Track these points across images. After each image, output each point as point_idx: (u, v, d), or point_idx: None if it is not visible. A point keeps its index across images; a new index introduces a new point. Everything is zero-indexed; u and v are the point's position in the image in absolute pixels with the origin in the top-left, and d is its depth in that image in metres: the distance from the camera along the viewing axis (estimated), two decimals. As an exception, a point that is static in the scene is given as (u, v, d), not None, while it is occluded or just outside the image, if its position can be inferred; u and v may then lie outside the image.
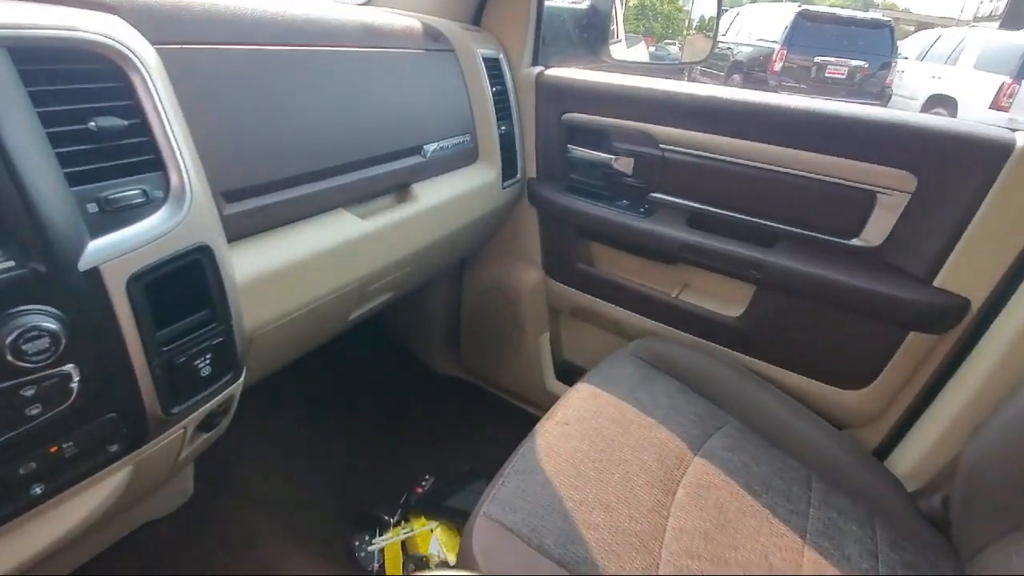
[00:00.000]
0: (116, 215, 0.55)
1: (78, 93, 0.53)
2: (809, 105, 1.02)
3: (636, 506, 0.76)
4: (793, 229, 1.07)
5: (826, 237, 1.05)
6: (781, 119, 1.03)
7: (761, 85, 8.33)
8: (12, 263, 0.48)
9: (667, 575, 0.69)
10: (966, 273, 0.92)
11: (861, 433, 1.11)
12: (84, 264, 0.52)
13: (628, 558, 0.70)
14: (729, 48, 9.10)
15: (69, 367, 0.52)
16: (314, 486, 1.32)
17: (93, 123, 0.54)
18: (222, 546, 1.08)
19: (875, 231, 1.01)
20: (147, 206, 0.58)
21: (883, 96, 8.20)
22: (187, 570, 1.04)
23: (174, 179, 0.60)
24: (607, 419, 0.90)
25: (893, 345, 1.00)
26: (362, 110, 0.93)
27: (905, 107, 7.79)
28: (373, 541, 1.16)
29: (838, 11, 8.79)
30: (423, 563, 1.13)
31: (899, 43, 8.61)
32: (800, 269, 1.03)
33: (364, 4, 1.32)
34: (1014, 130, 0.90)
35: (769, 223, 1.09)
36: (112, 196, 0.55)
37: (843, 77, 8.16)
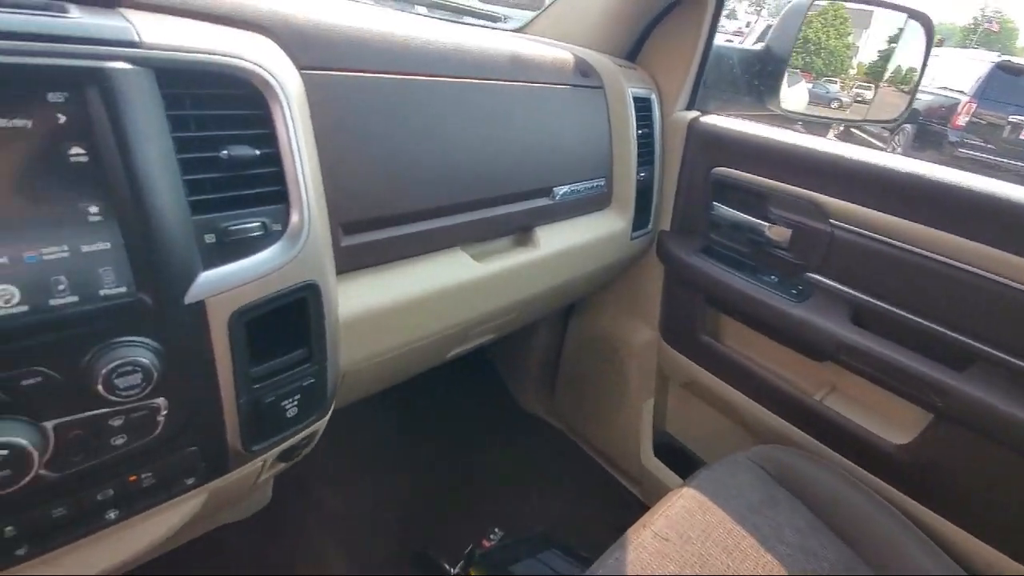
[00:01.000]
0: (231, 247, 0.53)
1: (215, 119, 0.51)
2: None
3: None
4: (998, 353, 0.84)
5: (1047, 371, 0.81)
6: (1000, 214, 0.81)
7: (939, 139, 7.33)
8: (124, 289, 0.46)
9: None
10: None
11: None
12: (191, 297, 0.49)
13: None
14: (903, 94, 8.11)
15: (159, 400, 0.50)
16: (384, 513, 1.29)
17: (225, 152, 0.51)
18: (287, 559, 1.07)
19: None
20: (263, 239, 0.55)
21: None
22: None
23: (295, 214, 0.57)
24: (716, 545, 0.75)
25: None
26: (496, 146, 0.87)
27: None
28: (432, 594, 1.09)
29: (1051, 66, 7.50)
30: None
31: None
32: (1001, 409, 0.80)
33: (517, 31, 1.29)
34: None
35: (964, 338, 0.86)
36: (232, 227, 0.52)
37: (1044, 143, 6.94)
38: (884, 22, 1.40)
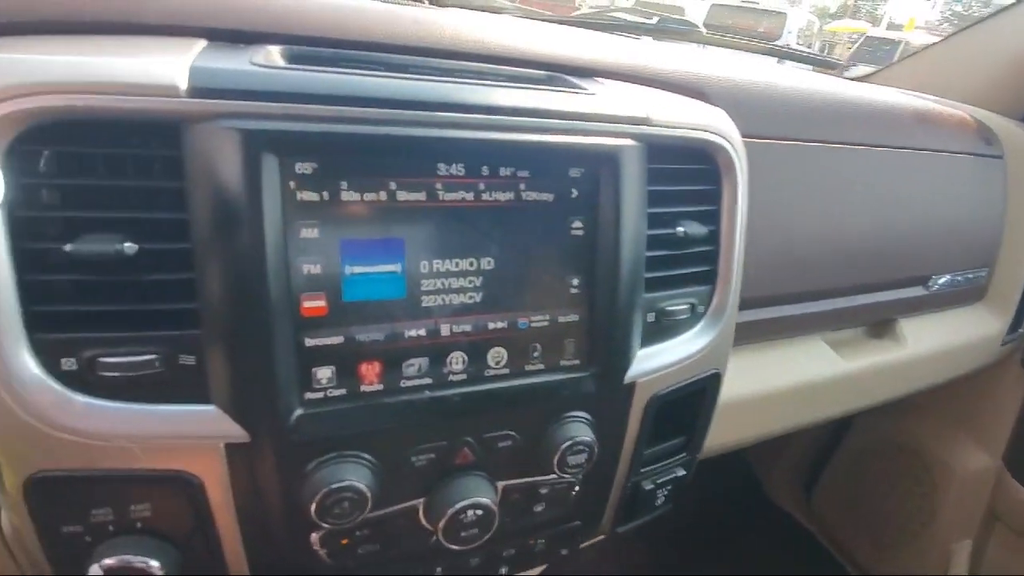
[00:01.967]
0: (663, 328, 0.50)
1: (674, 195, 0.49)
2: None
3: None
4: None
5: None
6: None
7: None
8: (577, 362, 0.46)
9: None
10: None
11: None
12: (628, 376, 0.47)
13: None
14: None
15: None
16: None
17: (681, 228, 0.49)
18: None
19: None
20: (687, 323, 0.51)
21: None
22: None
23: (719, 296, 0.52)
24: None
25: None
26: (877, 224, 0.73)
27: None
28: None
29: None
30: None
31: None
32: None
33: (862, 79, 1.12)
34: None
35: None
36: (668, 308, 0.49)
37: None
38: None
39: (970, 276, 0.86)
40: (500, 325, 0.43)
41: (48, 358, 0.33)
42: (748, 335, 0.66)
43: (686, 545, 1.38)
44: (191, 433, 0.36)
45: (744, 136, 0.54)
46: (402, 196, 0.38)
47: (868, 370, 0.75)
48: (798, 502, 1.45)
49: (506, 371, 0.43)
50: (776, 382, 0.68)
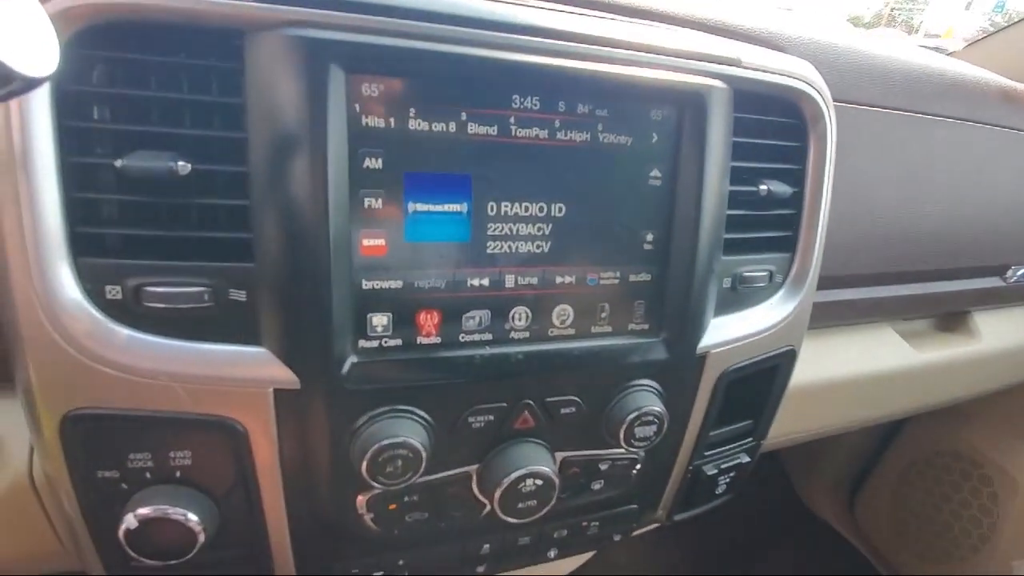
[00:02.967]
0: (738, 296, 0.46)
1: (757, 149, 0.44)
2: None
3: None
4: None
5: None
6: None
7: None
8: (647, 327, 0.42)
9: None
10: None
11: None
12: (701, 346, 0.43)
13: None
14: None
15: (640, 453, 0.45)
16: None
17: (764, 187, 0.44)
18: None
19: None
20: (764, 291, 0.47)
21: None
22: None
23: (799, 264, 0.48)
24: None
25: None
26: (945, 205, 0.68)
27: None
28: None
29: None
30: None
31: None
32: None
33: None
34: None
35: None
36: (747, 274, 0.45)
37: None
38: None
39: (1052, 269, 0.79)
40: (568, 280, 0.39)
41: (92, 284, 0.31)
42: (817, 317, 0.61)
43: (721, 554, 1.33)
44: (239, 376, 0.33)
45: (847, 101, 0.50)
46: (472, 129, 0.34)
47: (941, 364, 0.70)
48: (839, 513, 1.38)
49: (571, 331, 0.40)
50: (844, 370, 0.63)
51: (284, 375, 0.33)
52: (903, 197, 0.62)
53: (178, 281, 0.31)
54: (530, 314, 0.38)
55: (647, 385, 0.41)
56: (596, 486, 0.44)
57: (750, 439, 0.53)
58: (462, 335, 0.37)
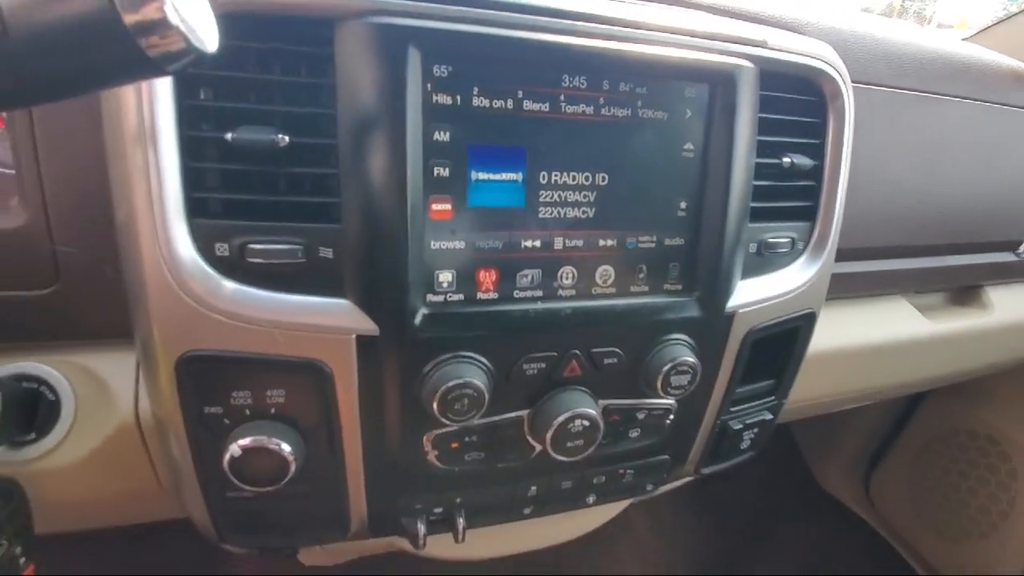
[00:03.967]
0: (764, 261, 0.50)
1: (780, 125, 0.48)
2: None
3: None
4: None
5: None
6: None
7: None
8: (680, 287, 0.46)
9: None
10: None
11: None
12: (730, 306, 0.47)
13: None
14: None
15: (672, 403, 0.49)
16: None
17: (788, 159, 0.48)
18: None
19: None
20: (787, 256, 0.51)
21: None
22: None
23: (819, 232, 0.52)
24: None
25: None
26: (959, 180, 0.71)
27: None
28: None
29: None
30: None
31: None
32: None
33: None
34: None
35: None
36: (770, 240, 0.49)
37: None
38: None
39: (1064, 245, 0.82)
40: (609, 243, 0.43)
41: (204, 243, 0.35)
42: (835, 288, 0.65)
43: (737, 531, 1.36)
44: (327, 324, 0.38)
45: (863, 83, 0.53)
46: (527, 105, 0.39)
47: (953, 334, 0.73)
48: (855, 493, 1.41)
49: (612, 290, 0.44)
50: (859, 339, 0.67)
51: (365, 324, 0.38)
52: (917, 173, 0.66)
53: (275, 240, 0.36)
54: (576, 273, 0.43)
55: (681, 339, 0.46)
56: (633, 434, 0.49)
57: (773, 398, 0.57)
58: (516, 291, 0.42)
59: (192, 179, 0.35)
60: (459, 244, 0.39)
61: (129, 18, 0.18)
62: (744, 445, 0.57)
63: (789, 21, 0.55)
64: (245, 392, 0.38)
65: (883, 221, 0.64)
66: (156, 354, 0.37)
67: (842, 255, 0.63)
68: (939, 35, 0.82)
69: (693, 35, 0.41)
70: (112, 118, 0.34)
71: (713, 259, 0.45)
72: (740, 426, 0.55)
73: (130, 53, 0.19)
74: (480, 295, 0.41)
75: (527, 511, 0.51)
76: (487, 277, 0.41)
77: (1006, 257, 0.78)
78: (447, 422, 0.39)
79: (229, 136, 0.34)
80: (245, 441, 0.38)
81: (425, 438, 0.42)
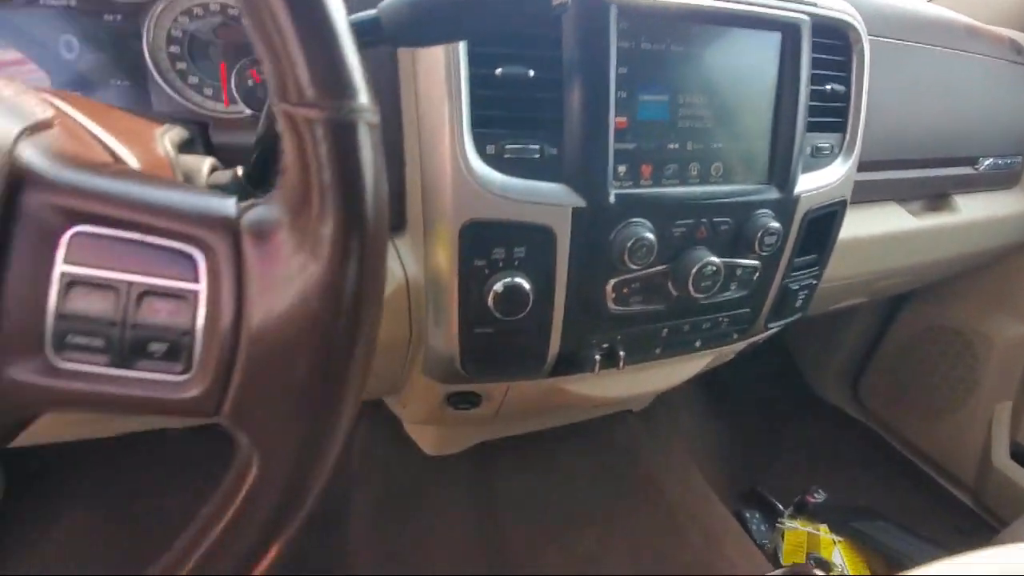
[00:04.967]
0: (814, 161, 0.70)
1: (819, 63, 0.69)
2: None
3: None
4: None
5: None
6: None
7: None
8: (765, 177, 0.66)
9: None
10: None
11: None
12: (796, 191, 0.68)
13: None
14: None
15: (759, 263, 0.69)
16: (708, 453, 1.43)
17: (830, 86, 0.69)
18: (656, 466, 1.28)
19: None
20: (828, 158, 0.72)
21: None
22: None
23: (848, 139, 0.73)
24: None
25: None
26: (935, 110, 0.94)
27: None
28: (780, 520, 1.20)
29: None
30: (826, 566, 1.11)
31: None
32: None
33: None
34: None
35: None
36: (819, 145, 0.70)
37: None
38: None
39: (1008, 161, 1.06)
40: (719, 146, 0.63)
41: (480, 145, 0.53)
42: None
43: (748, 434, 1.59)
44: (554, 200, 0.56)
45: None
46: (673, 48, 0.58)
47: (932, 229, 0.96)
48: (845, 395, 1.67)
49: (721, 180, 0.64)
50: (866, 231, 0.89)
51: (577, 200, 0.56)
52: (902, 103, 0.88)
53: (523, 143, 0.54)
54: (699, 167, 0.62)
55: (768, 213, 0.66)
56: (732, 286, 0.69)
57: (816, 268, 0.78)
58: (664, 180, 0.61)
59: (474, 102, 0.53)
60: (630, 146, 0.59)
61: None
62: (798, 303, 0.78)
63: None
64: (500, 249, 0.56)
65: (879, 140, 0.86)
66: (447, 223, 0.55)
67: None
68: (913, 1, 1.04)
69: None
70: (429, 65, 0.52)
71: (786, 158, 0.66)
72: (796, 287, 0.76)
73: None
74: (642, 182, 0.60)
75: (657, 351, 0.70)
76: (646, 169, 0.60)
77: (968, 170, 1.01)
78: (633, 266, 0.59)
79: (498, 71, 0.52)
80: (505, 280, 0.56)
81: (607, 285, 0.62)
